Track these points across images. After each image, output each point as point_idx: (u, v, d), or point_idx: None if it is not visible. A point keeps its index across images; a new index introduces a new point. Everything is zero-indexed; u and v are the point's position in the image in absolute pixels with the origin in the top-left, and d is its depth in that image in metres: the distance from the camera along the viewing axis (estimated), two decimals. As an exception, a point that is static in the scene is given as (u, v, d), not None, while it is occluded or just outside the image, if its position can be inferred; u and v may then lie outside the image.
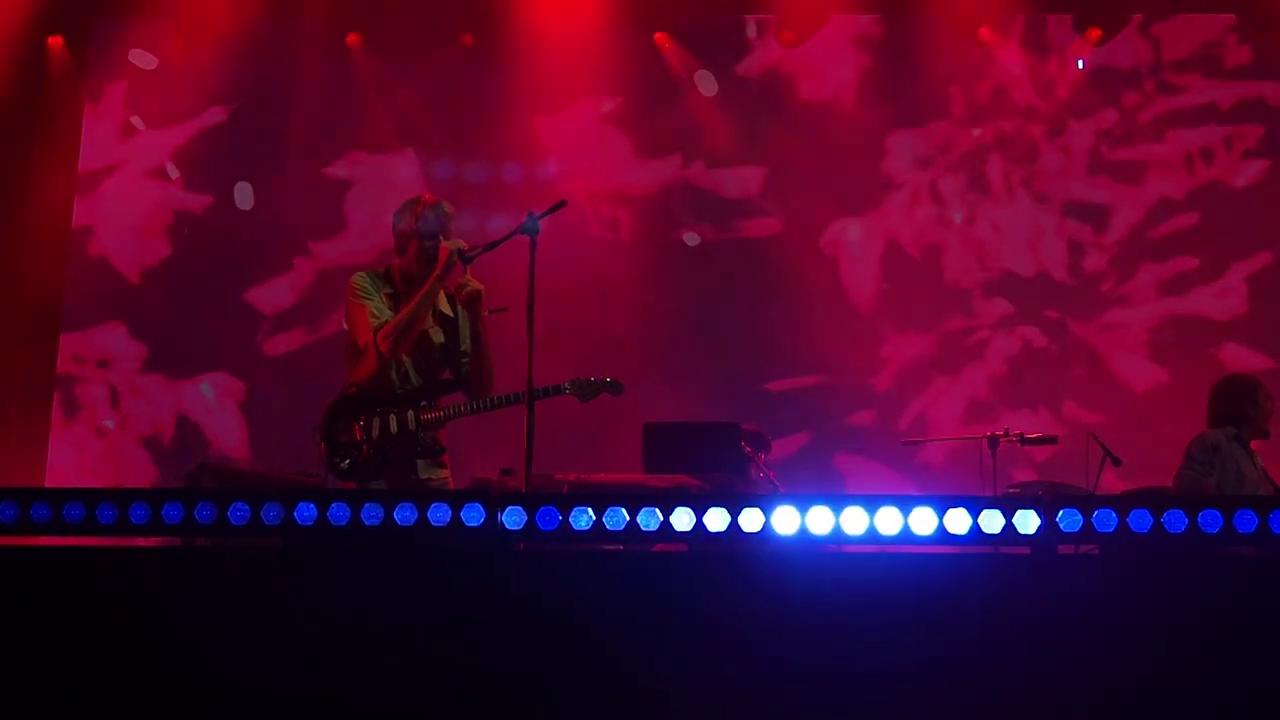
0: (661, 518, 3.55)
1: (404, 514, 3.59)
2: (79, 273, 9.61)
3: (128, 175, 9.72)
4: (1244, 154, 9.22)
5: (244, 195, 9.64)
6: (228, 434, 9.47)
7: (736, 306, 9.33)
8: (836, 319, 9.26)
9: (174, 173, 9.68)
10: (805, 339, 9.14)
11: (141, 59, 9.67)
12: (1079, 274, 9.27)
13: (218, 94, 9.63)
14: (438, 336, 5.21)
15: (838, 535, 3.54)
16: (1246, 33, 9.26)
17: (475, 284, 5.09)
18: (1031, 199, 9.38)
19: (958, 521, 3.50)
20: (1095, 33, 9.36)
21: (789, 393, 9.21)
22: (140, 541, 3.85)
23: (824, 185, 9.38)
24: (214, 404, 9.50)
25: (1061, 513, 3.50)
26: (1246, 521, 3.46)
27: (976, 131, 9.41)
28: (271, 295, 9.57)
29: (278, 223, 9.55)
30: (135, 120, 9.73)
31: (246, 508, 3.61)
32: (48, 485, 8.75)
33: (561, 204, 5.09)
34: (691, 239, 9.50)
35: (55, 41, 9.67)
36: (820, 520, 3.53)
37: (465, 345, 5.22)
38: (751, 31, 9.66)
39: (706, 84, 9.57)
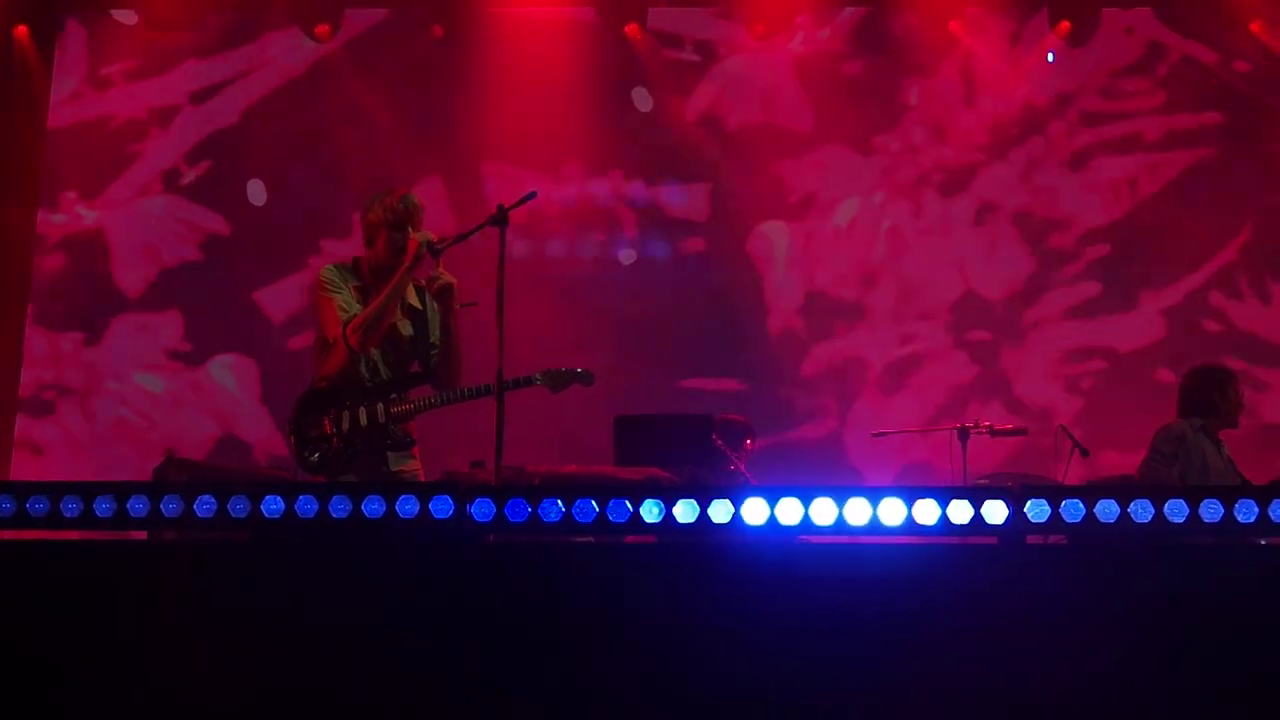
0: (631, 510, 3.54)
1: (372, 506, 3.57)
2: (90, 270, 9.53)
3: (137, 175, 9.64)
4: (1170, 181, 9.27)
5: (256, 192, 9.56)
6: (248, 429, 9.41)
7: (718, 306, 9.39)
8: (817, 324, 9.38)
9: (185, 171, 9.61)
10: (790, 340, 9.23)
11: (125, 17, 9.59)
12: (1011, 294, 9.34)
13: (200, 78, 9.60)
14: (406, 329, 5.18)
15: (807, 526, 3.55)
16: (1177, 64, 9.33)
17: (447, 277, 5.06)
18: (971, 219, 9.44)
19: (926, 512, 3.51)
20: (1065, 25, 9.37)
21: (736, 393, 9.25)
22: (104, 535, 3.81)
23: (763, 197, 9.44)
24: (232, 398, 9.43)
25: (1029, 503, 3.51)
26: (1212, 511, 3.49)
27: (917, 152, 9.47)
28: (283, 294, 9.51)
29: (289, 220, 9.47)
30: (109, 74, 9.64)
31: (213, 501, 3.59)
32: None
33: (532, 195, 5.06)
34: (627, 257, 9.52)
35: (20, 31, 9.55)
36: (789, 511, 3.54)
37: (434, 338, 5.19)
38: (712, 35, 9.65)
39: (642, 100, 9.54)
